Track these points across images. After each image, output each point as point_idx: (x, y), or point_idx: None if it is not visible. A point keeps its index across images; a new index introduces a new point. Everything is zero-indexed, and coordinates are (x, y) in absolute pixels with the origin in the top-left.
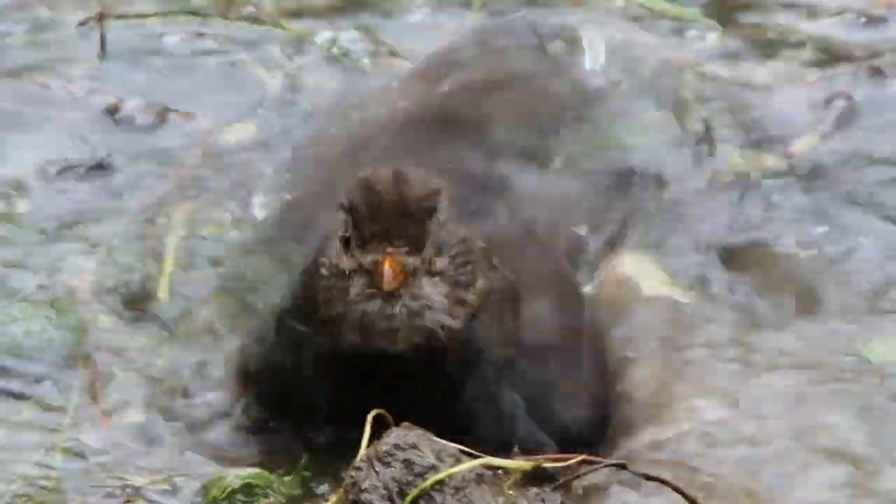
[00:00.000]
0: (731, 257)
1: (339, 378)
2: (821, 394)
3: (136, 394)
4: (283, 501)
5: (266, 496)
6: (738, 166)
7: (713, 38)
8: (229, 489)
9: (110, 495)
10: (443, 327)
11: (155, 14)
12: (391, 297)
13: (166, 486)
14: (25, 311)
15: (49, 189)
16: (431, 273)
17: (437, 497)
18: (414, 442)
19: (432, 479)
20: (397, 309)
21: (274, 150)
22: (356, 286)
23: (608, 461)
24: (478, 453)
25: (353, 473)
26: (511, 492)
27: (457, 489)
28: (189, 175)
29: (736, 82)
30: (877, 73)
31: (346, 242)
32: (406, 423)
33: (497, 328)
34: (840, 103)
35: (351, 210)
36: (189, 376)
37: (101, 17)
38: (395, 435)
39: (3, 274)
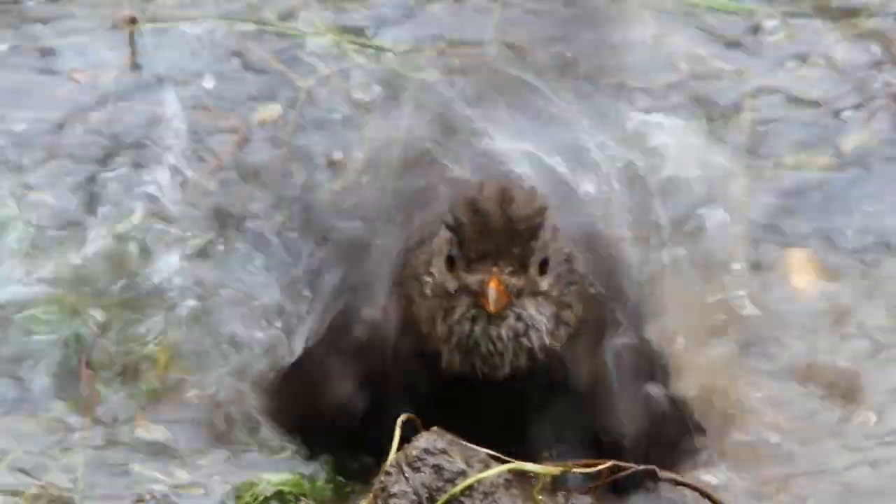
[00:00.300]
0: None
1: (418, 392)
2: None
3: (167, 398)
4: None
5: (298, 500)
6: (791, 165)
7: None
8: (262, 497)
9: (140, 499)
10: (544, 348)
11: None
12: (496, 318)
13: (198, 490)
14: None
15: None
16: (535, 293)
17: (467, 502)
18: (443, 447)
19: (462, 484)
20: (502, 331)
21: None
22: (461, 306)
23: (637, 466)
24: (507, 458)
25: (382, 478)
26: (540, 497)
27: (486, 494)
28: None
29: (787, 80)
30: None
31: (450, 261)
32: (436, 428)
33: (586, 355)
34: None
35: (456, 229)
36: (222, 380)
37: (132, 21)
38: (424, 440)
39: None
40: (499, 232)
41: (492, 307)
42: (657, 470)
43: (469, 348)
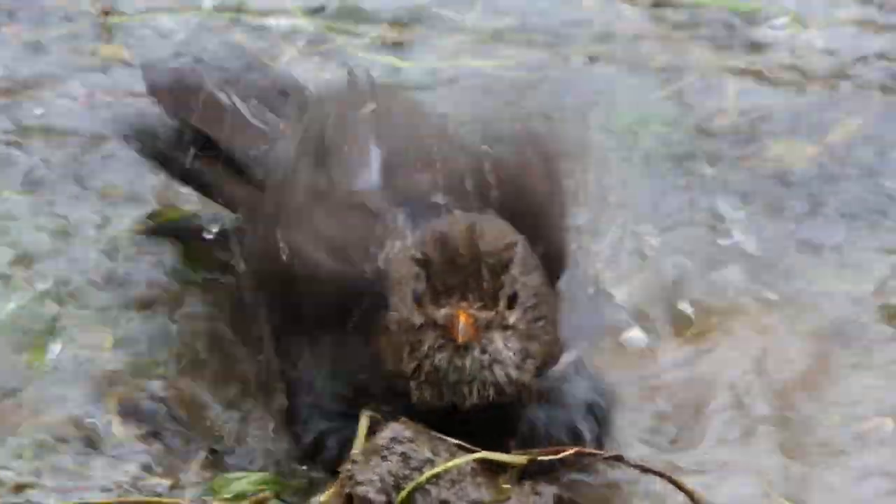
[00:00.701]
0: None
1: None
2: None
3: (146, 397)
4: (284, 496)
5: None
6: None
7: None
8: (239, 492)
9: (108, 489)
10: (511, 381)
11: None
12: (462, 350)
13: (170, 483)
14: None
15: None
16: (504, 327)
17: (433, 490)
18: (410, 436)
19: (428, 473)
20: (468, 362)
21: None
22: (428, 340)
23: (604, 453)
24: (473, 447)
25: (349, 466)
26: (506, 485)
27: (452, 482)
28: None
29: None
30: None
31: (417, 296)
32: (403, 418)
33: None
34: (871, 93)
35: (425, 264)
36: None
37: (106, 13)
38: (391, 429)
39: None
40: (467, 266)
41: (460, 339)
42: (623, 456)
43: (437, 380)
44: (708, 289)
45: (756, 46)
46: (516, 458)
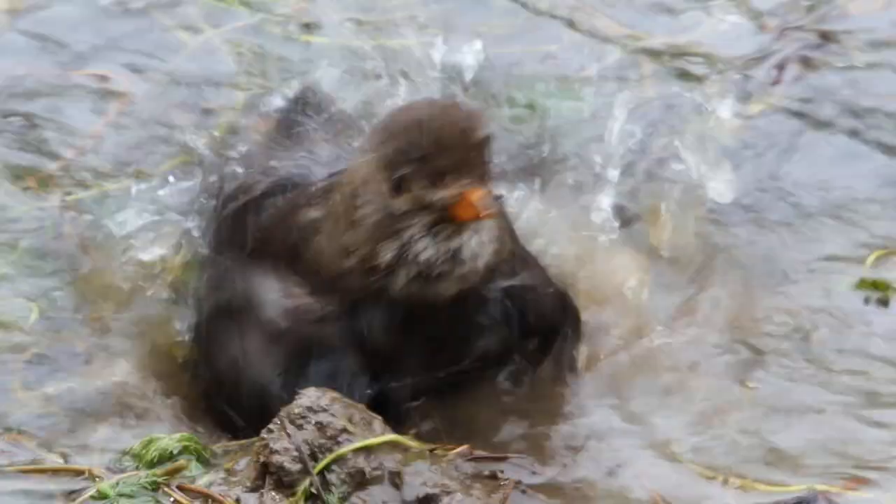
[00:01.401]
0: None
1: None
2: None
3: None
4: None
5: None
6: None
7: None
8: (168, 451)
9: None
10: (487, 265)
11: None
12: (465, 230)
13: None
14: None
15: None
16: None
17: (351, 459)
18: (326, 405)
19: (350, 446)
20: (472, 242)
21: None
22: (416, 226)
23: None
24: (383, 422)
25: (264, 435)
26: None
27: (368, 452)
28: None
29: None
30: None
31: (396, 184)
32: (319, 387)
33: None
34: (793, 65)
35: (407, 149)
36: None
37: None
38: (307, 398)
39: None
40: (461, 145)
41: (483, 213)
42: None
43: (428, 265)
44: None
45: None
46: (422, 445)
